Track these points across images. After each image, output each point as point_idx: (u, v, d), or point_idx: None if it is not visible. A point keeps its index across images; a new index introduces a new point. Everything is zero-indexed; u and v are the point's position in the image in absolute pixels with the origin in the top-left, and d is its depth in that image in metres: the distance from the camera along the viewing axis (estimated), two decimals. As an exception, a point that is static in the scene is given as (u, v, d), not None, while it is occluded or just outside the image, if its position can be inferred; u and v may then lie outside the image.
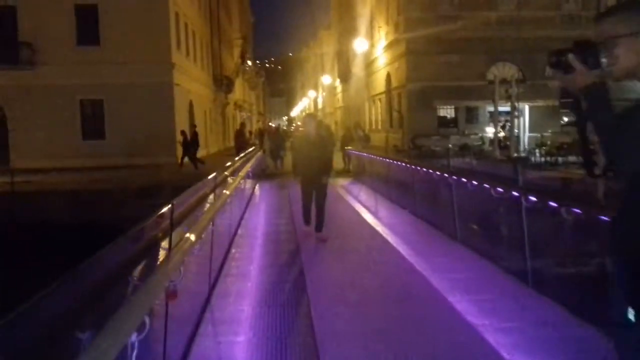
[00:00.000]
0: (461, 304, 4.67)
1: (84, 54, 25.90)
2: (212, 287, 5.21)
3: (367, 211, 10.37)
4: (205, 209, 4.80)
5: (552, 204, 4.45)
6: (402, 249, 6.80)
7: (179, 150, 23.75)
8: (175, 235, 3.15)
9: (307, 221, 8.29)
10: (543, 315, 4.29)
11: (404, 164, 9.25)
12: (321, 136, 8.69)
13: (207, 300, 4.84)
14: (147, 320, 1.98)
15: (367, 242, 7.54)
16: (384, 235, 7.88)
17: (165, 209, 3.16)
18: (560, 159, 20.91)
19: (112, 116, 26.32)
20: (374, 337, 4.09)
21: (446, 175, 7.05)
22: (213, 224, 4.83)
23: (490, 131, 27.58)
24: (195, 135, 23.25)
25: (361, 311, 4.70)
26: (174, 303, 2.93)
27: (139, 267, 2.77)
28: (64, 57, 25.69)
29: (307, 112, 63.97)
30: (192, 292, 4.39)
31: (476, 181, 6.04)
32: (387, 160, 10.93)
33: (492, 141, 26.70)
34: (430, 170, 7.75)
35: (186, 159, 22.44)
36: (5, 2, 25.33)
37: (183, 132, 23.21)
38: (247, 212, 10.53)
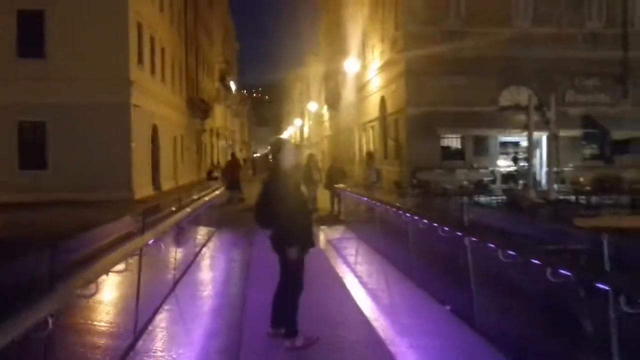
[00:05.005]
0: None
1: (25, 67, 21.79)
2: None
3: (376, 306, 5.99)
4: None
5: None
6: None
7: None
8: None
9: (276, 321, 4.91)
10: None
11: (448, 229, 5.03)
12: (279, 170, 4.74)
13: None
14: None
15: None
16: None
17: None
18: (595, 199, 17.04)
19: (56, 142, 22.02)
20: None
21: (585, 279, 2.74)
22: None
23: (503, 165, 23.61)
24: None
25: None
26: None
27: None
28: (1, 71, 21.54)
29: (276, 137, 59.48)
30: None
31: None
32: (413, 217, 6.54)
33: (504, 177, 22.79)
34: (534, 260, 3.42)
35: None
36: None
37: None
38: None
